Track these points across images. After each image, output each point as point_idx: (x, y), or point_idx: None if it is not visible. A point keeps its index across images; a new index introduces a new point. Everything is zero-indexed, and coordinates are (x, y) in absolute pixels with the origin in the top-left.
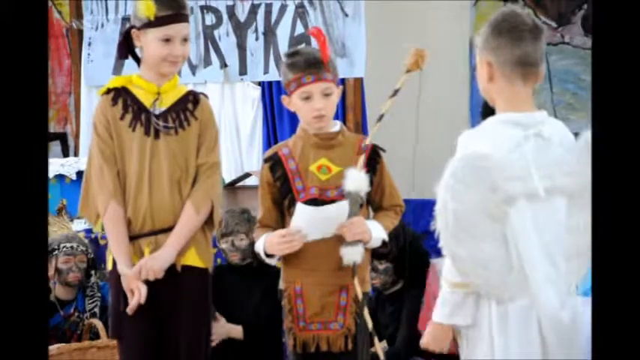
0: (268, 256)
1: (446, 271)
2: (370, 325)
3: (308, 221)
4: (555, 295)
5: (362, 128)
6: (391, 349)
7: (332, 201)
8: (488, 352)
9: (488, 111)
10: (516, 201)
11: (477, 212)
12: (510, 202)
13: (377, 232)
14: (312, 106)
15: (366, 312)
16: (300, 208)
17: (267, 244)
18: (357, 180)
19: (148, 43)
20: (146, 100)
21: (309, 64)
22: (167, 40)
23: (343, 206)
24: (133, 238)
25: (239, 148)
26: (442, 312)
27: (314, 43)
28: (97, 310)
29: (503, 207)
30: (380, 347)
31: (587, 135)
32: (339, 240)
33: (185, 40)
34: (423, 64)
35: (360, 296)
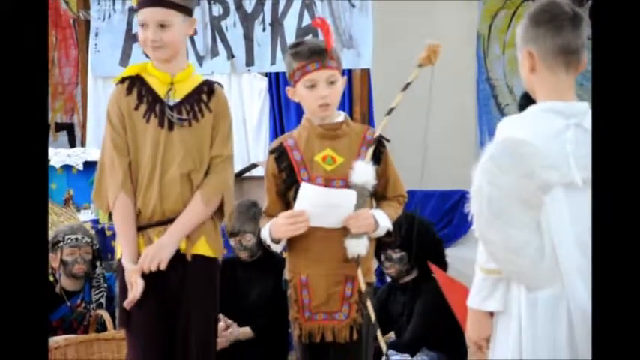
0: (274, 242)
1: (479, 257)
2: (373, 316)
3: (312, 202)
4: (586, 286)
5: (369, 119)
6: (400, 340)
7: None
8: (516, 338)
9: (525, 103)
10: (553, 189)
11: (511, 198)
12: (546, 190)
13: (383, 221)
14: (317, 93)
15: (369, 303)
16: (305, 187)
17: (273, 227)
18: (364, 173)
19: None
20: (160, 89)
21: (313, 52)
22: (143, 25)
23: (349, 195)
24: (142, 228)
25: (245, 138)
26: (476, 298)
27: (321, 35)
28: (103, 300)
29: (539, 194)
30: (382, 339)
31: None
32: (344, 230)
33: (163, 25)
34: (436, 60)
35: (364, 287)
